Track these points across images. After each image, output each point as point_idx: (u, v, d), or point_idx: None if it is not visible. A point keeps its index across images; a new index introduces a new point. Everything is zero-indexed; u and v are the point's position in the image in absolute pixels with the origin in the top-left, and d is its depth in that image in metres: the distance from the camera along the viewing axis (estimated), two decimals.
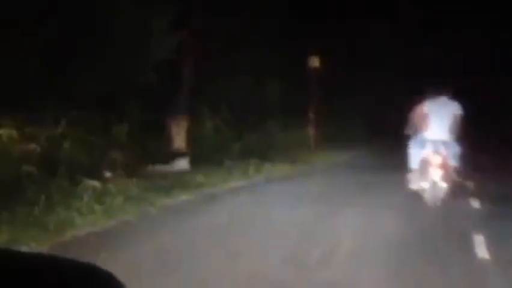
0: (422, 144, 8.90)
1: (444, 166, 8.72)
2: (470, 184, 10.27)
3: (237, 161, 11.49)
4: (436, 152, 8.71)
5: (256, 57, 13.90)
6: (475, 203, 8.65)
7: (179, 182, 8.84)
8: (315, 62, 16.52)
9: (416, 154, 9.04)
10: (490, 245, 5.93)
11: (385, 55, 20.45)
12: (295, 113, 16.39)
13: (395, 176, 9.89)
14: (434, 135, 8.78)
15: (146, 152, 10.09)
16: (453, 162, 8.86)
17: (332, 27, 16.99)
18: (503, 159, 15.29)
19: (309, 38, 16.10)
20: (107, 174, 8.15)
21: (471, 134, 9.40)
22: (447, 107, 8.94)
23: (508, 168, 13.14)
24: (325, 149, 15.60)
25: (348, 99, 19.25)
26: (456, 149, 8.83)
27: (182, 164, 10.42)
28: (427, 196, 8.75)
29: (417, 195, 8.92)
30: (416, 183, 8.97)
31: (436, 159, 8.70)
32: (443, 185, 8.73)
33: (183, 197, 8.15)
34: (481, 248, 5.87)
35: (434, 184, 8.74)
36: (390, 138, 12.11)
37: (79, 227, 6.01)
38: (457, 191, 9.35)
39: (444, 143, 8.77)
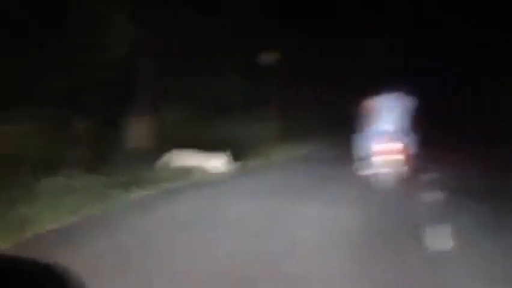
0: (374, 134, 9.51)
1: (394, 153, 9.36)
2: (429, 176, 10.65)
3: None
4: (386, 140, 9.37)
5: (216, 52, 14.01)
6: (434, 195, 8.68)
7: (142, 177, 8.91)
8: (273, 56, 16.73)
9: (369, 144, 9.63)
10: (450, 237, 5.98)
11: (341, 53, 20.77)
12: (255, 107, 16.61)
13: (352, 168, 10.29)
14: (385, 126, 9.41)
15: (107, 148, 10.12)
16: (405, 151, 9.48)
17: (293, 22, 17.26)
18: (461, 152, 15.84)
19: (271, 33, 16.28)
20: (70, 170, 8.20)
21: (424, 127, 9.92)
22: (398, 101, 9.56)
23: (467, 162, 13.62)
24: (285, 143, 15.72)
25: (307, 93, 19.47)
26: (407, 139, 9.45)
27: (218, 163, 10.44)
28: (380, 183, 9.41)
29: (374, 187, 9.38)
30: (370, 171, 9.67)
31: (386, 148, 9.34)
32: (397, 173, 9.45)
33: (146, 192, 8.22)
34: (442, 241, 5.88)
35: (386, 171, 9.38)
36: (347, 131, 12.37)
37: (40, 224, 6.04)
38: (414, 182, 9.82)
39: (396, 133, 9.40)
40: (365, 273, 4.81)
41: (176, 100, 13.15)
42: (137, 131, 11.86)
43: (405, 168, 9.68)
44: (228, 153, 10.36)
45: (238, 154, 11.96)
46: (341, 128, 17.07)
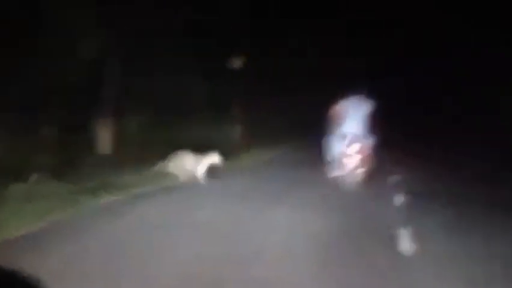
0: (338, 137, 9.88)
1: (358, 156, 9.72)
2: (392, 178, 10.87)
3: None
4: (350, 143, 9.72)
5: (182, 55, 13.99)
6: (399, 197, 8.88)
7: (108, 183, 8.84)
8: (241, 60, 16.81)
9: (332, 146, 9.98)
10: (416, 241, 6.09)
11: (307, 57, 21.00)
12: (222, 110, 16.66)
13: (319, 171, 10.52)
14: (348, 129, 9.76)
15: (75, 153, 10.03)
16: (368, 154, 9.85)
17: (261, 23, 17.36)
18: (421, 155, 16.18)
19: (239, 36, 16.34)
20: (35, 176, 8.10)
21: (385, 130, 10.22)
22: (361, 105, 9.93)
23: (428, 164, 13.92)
24: (252, 146, 15.80)
25: (274, 96, 19.60)
26: (371, 141, 9.80)
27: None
28: (347, 184, 9.79)
29: (341, 189, 9.58)
30: (336, 172, 10.13)
31: (350, 150, 9.67)
32: (361, 173, 9.92)
33: (112, 197, 8.15)
34: (405, 244, 6.01)
35: (352, 173, 9.64)
36: (314, 133, 12.56)
37: (7, 230, 5.97)
38: (379, 185, 10.07)
39: (360, 136, 9.74)
40: (332, 276, 4.90)
41: (142, 103, 13.09)
42: (103, 136, 11.79)
43: (368, 170, 10.01)
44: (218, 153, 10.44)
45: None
46: (308, 130, 17.29)
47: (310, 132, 13.87)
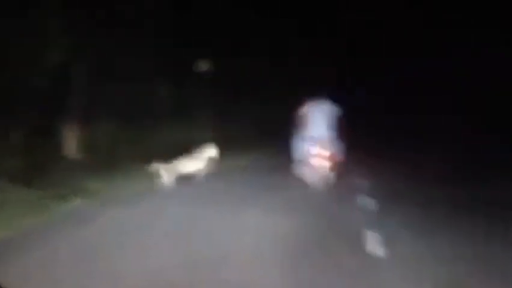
0: (306, 140, 10.13)
1: (325, 159, 10.00)
2: (360, 181, 11.07)
3: (133, 165, 11.37)
4: (318, 146, 9.99)
5: (149, 61, 13.96)
6: (367, 200, 9.03)
7: (78, 187, 8.79)
8: (206, 64, 16.85)
9: (301, 149, 10.37)
10: (383, 243, 6.18)
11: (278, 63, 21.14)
12: (191, 116, 16.65)
13: (289, 175, 10.76)
14: (315, 133, 10.02)
15: (43, 159, 9.93)
16: (334, 156, 10.11)
17: (229, 28, 17.43)
18: (388, 159, 16.47)
19: (203, 41, 16.36)
20: (4, 182, 8.00)
21: (349, 133, 10.55)
22: (326, 108, 10.22)
23: (394, 168, 14.18)
24: (222, 152, 15.73)
25: (241, 102, 19.65)
26: (335, 144, 10.09)
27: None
28: (315, 186, 10.07)
29: (310, 193, 9.70)
30: (303, 174, 10.46)
31: (318, 153, 9.96)
32: (328, 175, 10.25)
33: (80, 202, 8.09)
34: (374, 246, 6.10)
35: (319, 175, 10.06)
36: (283, 139, 12.69)
37: None
38: (347, 188, 10.28)
39: (324, 138, 10.02)
40: (301, 278, 4.99)
41: (110, 108, 13.00)
42: (72, 141, 11.69)
43: (336, 173, 10.28)
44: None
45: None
46: (277, 135, 17.37)
47: (281, 137, 13.95)
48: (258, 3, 18.89)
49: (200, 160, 10.62)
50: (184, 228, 6.77)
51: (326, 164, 10.23)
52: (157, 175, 9.84)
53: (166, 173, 9.90)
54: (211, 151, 10.68)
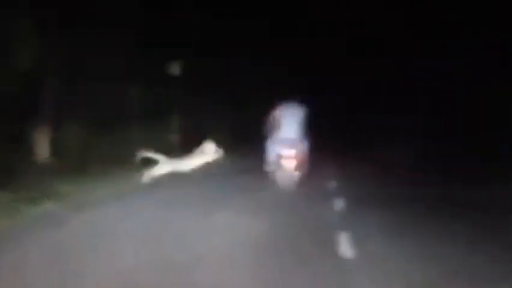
0: (277, 141, 10.33)
1: (294, 159, 10.15)
2: (330, 183, 11.21)
3: (103, 169, 11.42)
4: (287, 148, 10.19)
5: (121, 63, 13.88)
6: (339, 202, 9.15)
7: (48, 191, 8.71)
8: (178, 66, 16.82)
9: (272, 151, 10.33)
10: (353, 244, 6.25)
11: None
12: (162, 118, 16.60)
13: (261, 177, 10.86)
14: (286, 134, 10.26)
15: (14, 162, 9.83)
16: (303, 158, 10.35)
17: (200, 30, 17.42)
18: (356, 160, 16.70)
19: (175, 42, 16.33)
20: None
21: (318, 134, 10.81)
22: (296, 111, 10.48)
23: (363, 169, 14.39)
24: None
25: (212, 105, 19.66)
26: (304, 145, 10.31)
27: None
28: (286, 187, 10.38)
29: (282, 195, 9.80)
30: (275, 175, 10.67)
31: (288, 154, 10.11)
32: (298, 176, 10.54)
33: (51, 205, 8.04)
34: (344, 248, 6.16)
35: (290, 175, 10.40)
36: (253, 141, 12.80)
37: None
38: (319, 189, 10.44)
39: (294, 140, 10.24)
40: (273, 280, 5.01)
41: (81, 112, 12.90)
42: (42, 144, 11.59)
43: (305, 174, 10.50)
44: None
45: (146, 166, 11.93)
46: (248, 138, 17.46)
47: (252, 139, 14.06)
48: (230, 3, 18.94)
49: (197, 158, 10.67)
50: (156, 230, 6.76)
51: (295, 165, 10.47)
52: (146, 166, 9.83)
53: (158, 166, 9.94)
54: (211, 150, 10.73)
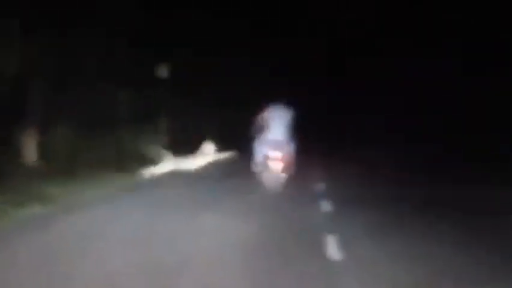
0: (264, 143, 10.42)
1: (281, 161, 10.22)
2: (319, 184, 11.28)
3: (91, 171, 11.40)
4: (274, 149, 10.26)
5: (108, 66, 13.86)
6: (326, 204, 9.20)
7: (36, 194, 8.69)
8: (166, 68, 16.83)
9: (259, 151, 10.78)
10: (340, 246, 6.26)
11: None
12: (150, 120, 16.59)
13: (249, 179, 10.92)
14: (273, 136, 10.35)
15: (1, 165, 9.79)
16: (290, 160, 10.44)
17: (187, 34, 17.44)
18: (342, 161, 16.78)
19: (164, 44, 16.33)
20: None
21: (305, 136, 10.91)
22: (283, 113, 10.58)
23: (349, 171, 14.48)
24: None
25: (200, 106, 19.66)
26: (291, 146, 10.40)
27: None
28: (273, 189, 10.45)
29: (270, 197, 9.86)
30: (262, 177, 10.77)
31: (275, 156, 10.14)
32: (284, 177, 10.64)
33: (38, 209, 8.02)
34: (332, 249, 6.18)
35: (274, 175, 10.57)
36: (242, 143, 12.86)
37: None
38: (306, 191, 10.51)
39: (281, 142, 10.32)
40: (261, 282, 5.03)
41: (69, 115, 12.88)
42: (30, 147, 11.56)
43: (292, 175, 10.59)
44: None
45: (135, 168, 11.98)
46: (235, 140, 17.49)
47: (239, 142, 14.12)
48: (218, 6, 18.99)
49: (200, 158, 10.76)
50: (144, 233, 6.77)
51: (281, 166, 10.56)
52: (154, 160, 9.82)
53: (165, 163, 9.97)
54: (210, 151, 10.83)
